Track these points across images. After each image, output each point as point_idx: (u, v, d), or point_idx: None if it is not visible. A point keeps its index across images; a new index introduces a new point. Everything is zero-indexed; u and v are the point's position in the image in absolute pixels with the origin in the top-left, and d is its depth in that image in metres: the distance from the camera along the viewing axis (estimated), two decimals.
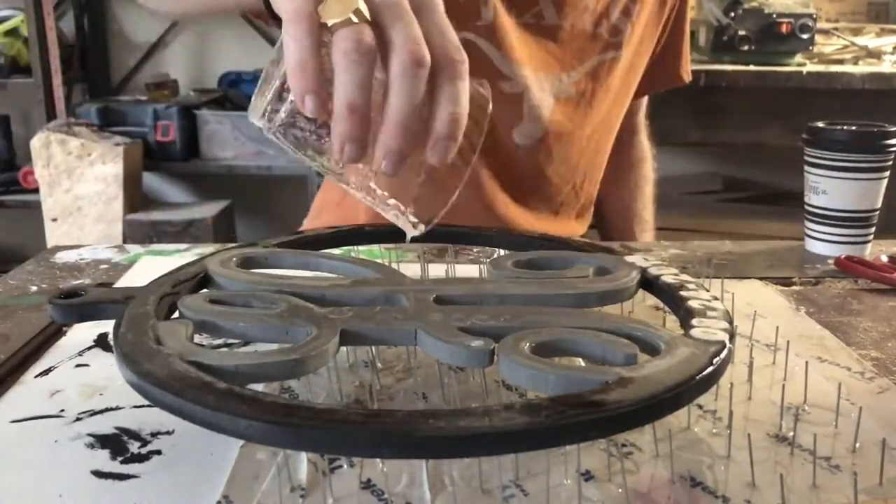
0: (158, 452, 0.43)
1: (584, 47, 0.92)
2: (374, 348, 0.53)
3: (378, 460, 0.41)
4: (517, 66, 0.88)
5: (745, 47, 1.81)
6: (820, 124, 0.79)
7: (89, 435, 0.45)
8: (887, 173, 0.77)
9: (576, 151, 0.97)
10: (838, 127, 0.77)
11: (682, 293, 0.50)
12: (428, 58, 0.44)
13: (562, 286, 0.51)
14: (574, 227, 1.04)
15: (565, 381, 0.39)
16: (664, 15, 1.00)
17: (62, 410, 0.48)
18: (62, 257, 0.77)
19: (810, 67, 1.84)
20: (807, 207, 0.80)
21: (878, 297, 0.67)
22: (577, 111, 0.94)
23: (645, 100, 1.13)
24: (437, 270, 0.66)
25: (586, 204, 1.04)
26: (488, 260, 0.60)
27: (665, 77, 1.06)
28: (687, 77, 1.07)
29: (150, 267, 0.72)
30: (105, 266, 0.74)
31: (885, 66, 1.89)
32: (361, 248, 0.71)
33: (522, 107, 0.91)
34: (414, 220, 0.49)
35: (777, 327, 0.56)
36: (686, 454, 0.42)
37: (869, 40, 2.03)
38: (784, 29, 1.82)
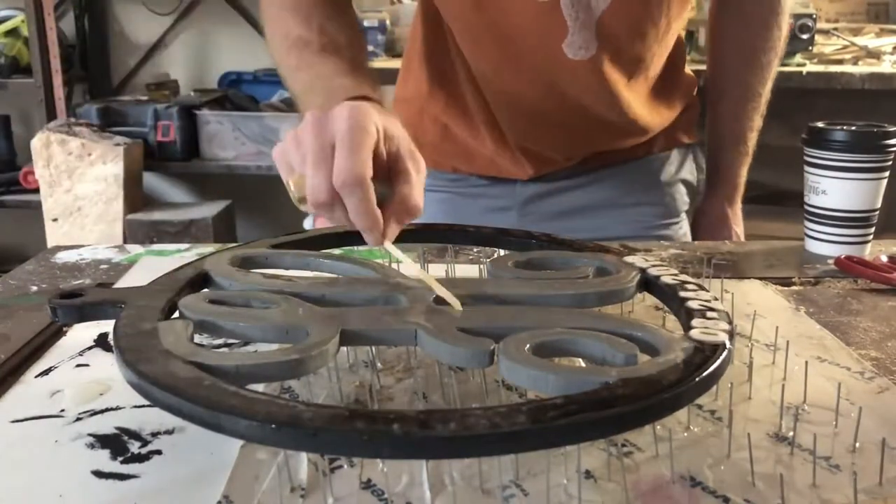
0: (158, 452, 0.43)
1: None
2: (374, 348, 0.53)
3: (378, 460, 0.41)
4: None
5: None
6: (820, 124, 0.79)
7: (89, 435, 0.45)
8: (887, 173, 0.77)
9: (650, 42, 0.84)
10: (838, 127, 0.77)
11: (682, 293, 0.50)
12: None
13: (562, 286, 0.52)
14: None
15: (565, 382, 0.39)
16: None
17: (62, 410, 0.48)
18: (62, 257, 0.77)
19: (810, 67, 1.84)
20: (807, 207, 0.80)
21: (878, 297, 0.67)
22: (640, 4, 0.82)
23: None
24: (437, 270, 0.66)
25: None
26: (488, 260, 0.60)
27: None
28: None
29: (150, 267, 0.72)
30: (105, 266, 0.74)
31: (885, 66, 1.88)
32: (361, 248, 0.71)
33: (562, 16, 0.79)
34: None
35: (777, 327, 0.56)
36: (686, 454, 0.42)
37: (869, 40, 2.03)
38: None
